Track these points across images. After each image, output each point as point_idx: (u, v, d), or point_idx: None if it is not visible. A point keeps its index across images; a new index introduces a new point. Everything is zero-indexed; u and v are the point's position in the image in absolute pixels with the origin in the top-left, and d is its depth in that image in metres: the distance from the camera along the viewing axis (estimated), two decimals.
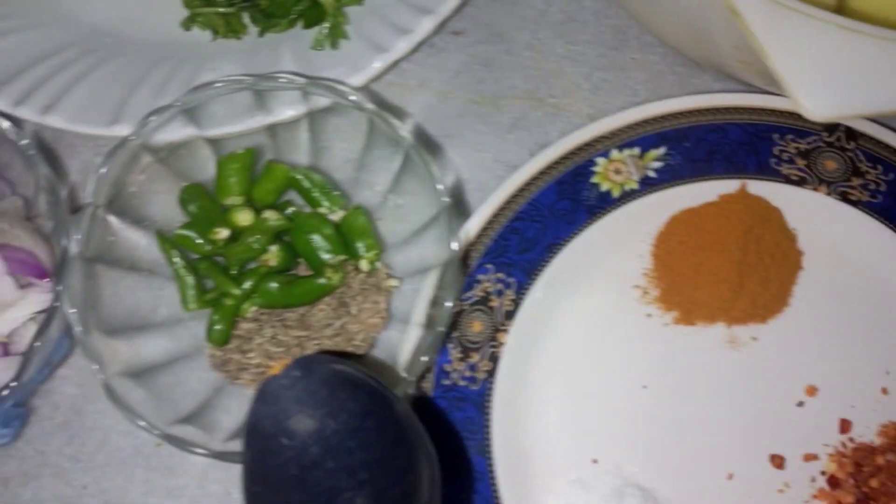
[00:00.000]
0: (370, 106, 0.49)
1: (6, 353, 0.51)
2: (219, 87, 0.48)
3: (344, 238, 0.52)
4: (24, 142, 0.49)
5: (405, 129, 0.49)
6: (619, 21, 0.61)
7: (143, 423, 0.44)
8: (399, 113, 0.58)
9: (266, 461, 0.39)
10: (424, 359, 0.45)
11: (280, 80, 0.49)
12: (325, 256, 0.51)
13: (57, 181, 0.48)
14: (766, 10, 0.41)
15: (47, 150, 0.57)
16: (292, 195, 0.55)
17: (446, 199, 0.47)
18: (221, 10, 0.57)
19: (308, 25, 0.57)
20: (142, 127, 0.48)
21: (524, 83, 0.60)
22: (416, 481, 0.41)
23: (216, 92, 0.49)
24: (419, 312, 0.50)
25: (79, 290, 0.46)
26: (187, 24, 0.58)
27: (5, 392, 0.45)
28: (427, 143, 0.57)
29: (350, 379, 0.41)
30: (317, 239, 0.52)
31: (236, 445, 0.46)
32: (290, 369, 0.40)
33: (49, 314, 0.46)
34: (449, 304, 0.45)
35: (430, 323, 0.49)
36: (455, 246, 0.46)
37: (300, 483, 0.38)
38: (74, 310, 0.46)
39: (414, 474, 0.41)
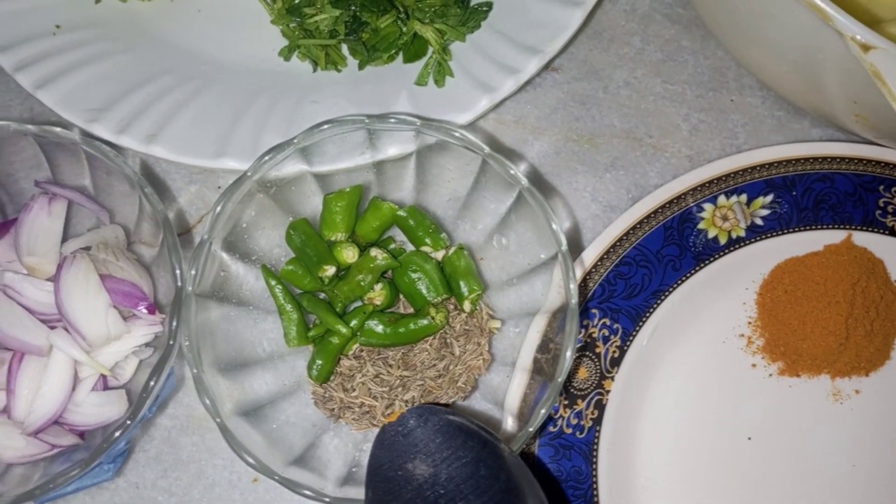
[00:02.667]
0: (486, 148, 0.48)
1: (105, 387, 0.50)
2: (335, 127, 0.48)
3: (446, 277, 0.52)
4: (132, 172, 0.48)
5: (520, 172, 0.48)
6: (717, 62, 0.60)
7: (259, 466, 0.44)
8: (510, 153, 0.58)
9: (387, 502, 0.41)
10: (543, 411, 0.44)
11: (394, 120, 0.48)
12: (429, 295, 0.51)
13: (168, 216, 0.48)
14: None
15: (149, 178, 0.57)
16: (393, 231, 0.54)
17: (564, 246, 0.47)
18: (322, 41, 0.56)
19: (408, 60, 0.56)
20: (259, 164, 0.47)
21: (621, 122, 0.59)
22: None
23: (331, 131, 0.48)
24: (525, 356, 0.50)
25: (193, 327, 0.46)
26: (286, 54, 0.57)
27: (118, 432, 0.44)
28: (540, 185, 0.57)
29: (463, 428, 0.42)
30: (420, 278, 0.51)
31: (350, 492, 0.45)
32: (406, 418, 0.42)
33: (165, 352, 0.45)
34: (569, 354, 0.45)
35: (537, 368, 0.49)
36: (574, 294, 0.46)
37: None
38: (190, 346, 0.45)
39: None
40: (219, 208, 0.47)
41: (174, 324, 0.45)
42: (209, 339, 0.47)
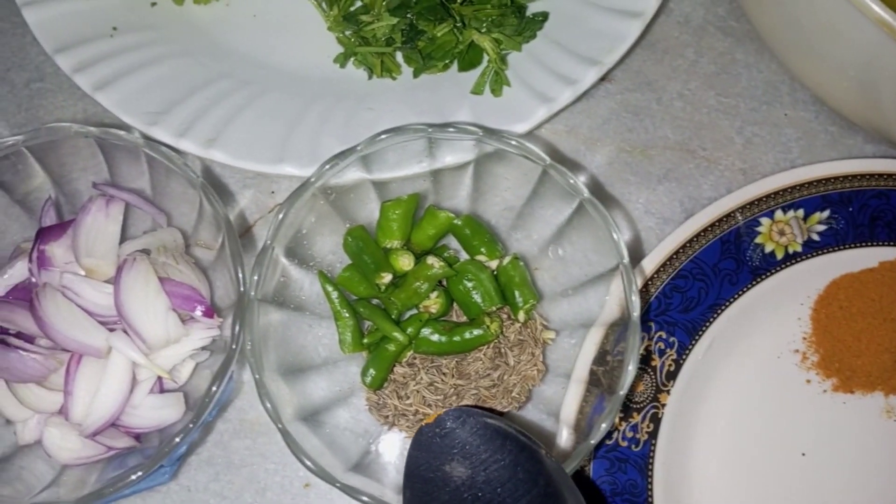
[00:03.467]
0: (547, 159, 0.48)
1: (162, 389, 0.50)
2: (397, 136, 0.48)
3: (501, 287, 0.52)
4: (195, 176, 0.48)
5: (582, 183, 0.48)
6: (770, 75, 0.60)
7: (320, 472, 0.44)
8: (565, 163, 0.58)
9: (425, 503, 0.41)
10: (604, 425, 0.44)
11: (455, 129, 0.48)
12: (483, 305, 0.51)
13: (230, 219, 0.48)
14: None
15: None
16: (446, 239, 0.54)
17: (626, 258, 0.47)
18: (378, 49, 0.56)
19: (463, 68, 0.57)
20: (321, 170, 0.47)
21: (674, 134, 0.59)
22: None
23: (393, 140, 0.48)
24: (581, 368, 0.49)
25: (256, 332, 0.46)
26: (342, 61, 0.58)
27: (180, 436, 0.44)
28: (598, 196, 0.57)
29: (501, 431, 0.42)
30: (475, 287, 0.51)
31: None
32: (444, 419, 0.42)
33: (228, 356, 0.45)
34: (631, 367, 0.45)
35: (593, 380, 0.49)
36: (636, 307, 0.46)
37: None
38: (253, 351, 0.45)
39: None
40: (282, 214, 0.47)
41: (237, 328, 0.46)
42: (270, 344, 0.47)
